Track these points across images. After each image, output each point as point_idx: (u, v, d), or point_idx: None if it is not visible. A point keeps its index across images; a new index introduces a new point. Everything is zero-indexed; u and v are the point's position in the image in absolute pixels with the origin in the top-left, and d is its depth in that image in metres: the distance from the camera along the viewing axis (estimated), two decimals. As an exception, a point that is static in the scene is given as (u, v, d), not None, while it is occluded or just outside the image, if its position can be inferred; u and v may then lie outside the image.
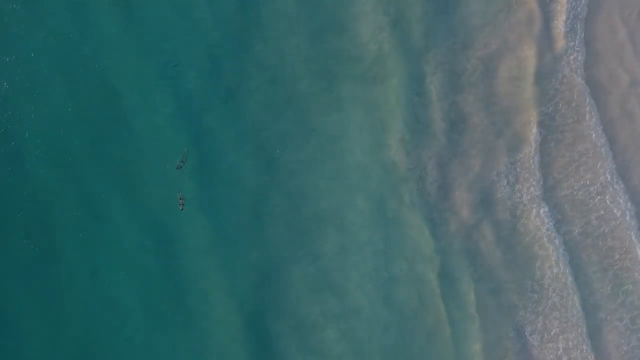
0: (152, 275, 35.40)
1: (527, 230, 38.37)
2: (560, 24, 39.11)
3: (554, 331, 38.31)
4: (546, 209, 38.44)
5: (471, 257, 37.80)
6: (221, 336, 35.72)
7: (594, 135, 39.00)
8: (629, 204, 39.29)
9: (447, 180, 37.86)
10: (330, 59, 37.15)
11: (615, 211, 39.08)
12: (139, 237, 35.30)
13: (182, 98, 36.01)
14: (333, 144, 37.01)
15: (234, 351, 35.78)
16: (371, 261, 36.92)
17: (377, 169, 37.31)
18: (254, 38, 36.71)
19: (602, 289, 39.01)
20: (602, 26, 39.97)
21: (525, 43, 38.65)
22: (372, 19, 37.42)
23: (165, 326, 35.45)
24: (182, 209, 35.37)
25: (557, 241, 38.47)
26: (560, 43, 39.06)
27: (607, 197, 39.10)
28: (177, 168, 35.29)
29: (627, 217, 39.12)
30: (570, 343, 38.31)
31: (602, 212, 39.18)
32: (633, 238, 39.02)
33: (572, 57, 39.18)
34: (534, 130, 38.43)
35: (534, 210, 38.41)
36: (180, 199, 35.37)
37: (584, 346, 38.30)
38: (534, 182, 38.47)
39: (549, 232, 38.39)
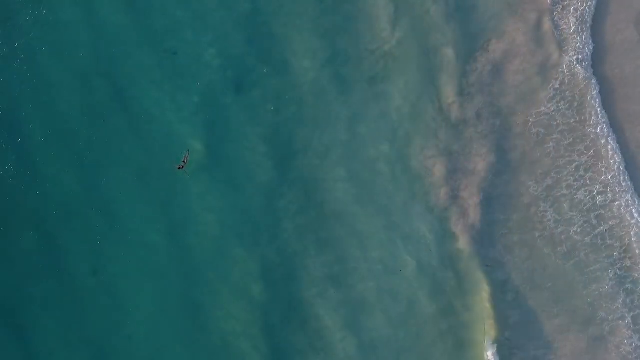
0: (161, 272, 35.91)
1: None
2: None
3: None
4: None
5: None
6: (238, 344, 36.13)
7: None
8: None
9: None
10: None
11: None
12: (151, 236, 35.86)
13: (194, 91, 36.75)
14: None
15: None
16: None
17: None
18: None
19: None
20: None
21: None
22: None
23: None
24: (180, 168, 35.59)
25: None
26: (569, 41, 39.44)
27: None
28: (179, 168, 35.75)
29: None
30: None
31: None
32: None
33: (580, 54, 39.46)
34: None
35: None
36: (185, 160, 35.66)
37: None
38: None
39: None
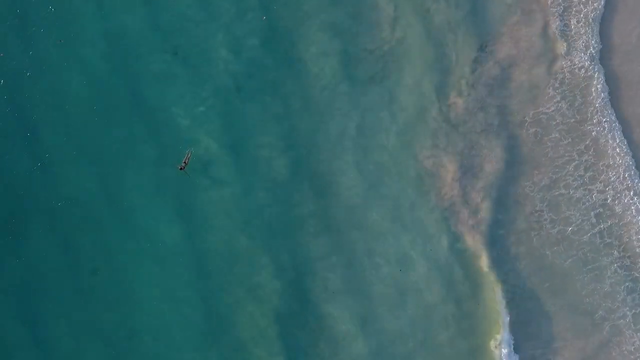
0: (174, 270, 36.33)
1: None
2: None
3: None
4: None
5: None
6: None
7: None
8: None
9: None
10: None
11: None
12: (166, 237, 36.35)
13: (206, 89, 37.20)
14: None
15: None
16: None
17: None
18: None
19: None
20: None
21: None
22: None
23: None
24: (181, 169, 36.00)
25: None
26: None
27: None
28: (180, 168, 36.14)
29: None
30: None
31: None
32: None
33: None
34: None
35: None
36: (186, 161, 36.03)
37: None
38: None
39: None
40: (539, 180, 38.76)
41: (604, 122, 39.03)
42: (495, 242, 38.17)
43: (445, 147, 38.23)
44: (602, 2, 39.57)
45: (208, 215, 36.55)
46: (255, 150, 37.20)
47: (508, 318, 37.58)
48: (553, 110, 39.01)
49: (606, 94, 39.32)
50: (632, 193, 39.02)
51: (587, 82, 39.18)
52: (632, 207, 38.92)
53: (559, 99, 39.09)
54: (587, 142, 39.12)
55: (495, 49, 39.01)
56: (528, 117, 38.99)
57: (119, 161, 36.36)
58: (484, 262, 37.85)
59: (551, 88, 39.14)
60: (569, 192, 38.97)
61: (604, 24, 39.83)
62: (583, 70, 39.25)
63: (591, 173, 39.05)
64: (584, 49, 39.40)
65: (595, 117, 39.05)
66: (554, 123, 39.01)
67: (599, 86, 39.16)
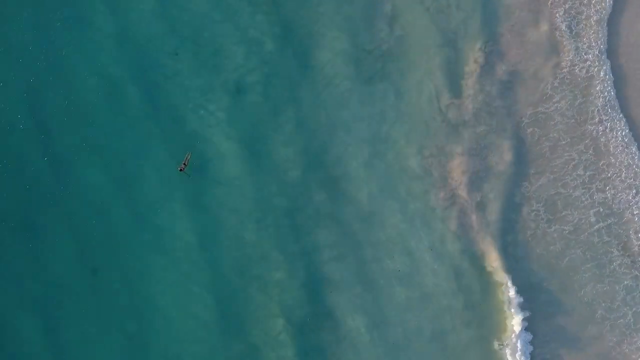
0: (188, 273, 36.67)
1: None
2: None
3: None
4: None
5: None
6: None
7: None
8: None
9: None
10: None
11: None
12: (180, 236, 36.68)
13: (221, 89, 37.65)
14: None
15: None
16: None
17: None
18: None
19: None
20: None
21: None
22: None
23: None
24: (181, 170, 36.29)
25: None
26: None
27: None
28: (180, 170, 36.48)
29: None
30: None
31: None
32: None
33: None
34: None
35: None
36: (186, 162, 36.35)
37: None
38: None
39: None
40: (545, 180, 38.81)
41: (606, 120, 39.02)
42: (496, 242, 38.31)
43: (443, 147, 38.38)
44: (610, 2, 39.48)
45: (220, 214, 36.94)
46: (267, 147, 37.59)
47: (519, 317, 37.57)
48: (552, 110, 39.00)
49: (601, 89, 39.21)
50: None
51: (590, 81, 39.17)
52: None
53: (558, 98, 39.07)
54: (587, 141, 39.15)
55: (496, 49, 39.07)
56: (525, 117, 39.06)
57: (134, 161, 36.85)
58: (492, 261, 38.00)
59: (551, 87, 39.15)
60: (580, 192, 39.07)
61: (611, 24, 39.78)
62: (586, 70, 39.19)
63: (591, 172, 39.10)
64: (589, 48, 39.35)
65: (597, 116, 39.03)
66: (552, 123, 39.03)
67: (603, 85, 39.15)
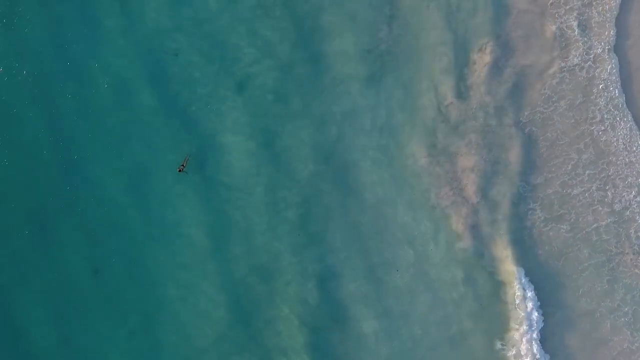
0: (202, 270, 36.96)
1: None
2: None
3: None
4: None
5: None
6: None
7: None
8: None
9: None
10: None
11: None
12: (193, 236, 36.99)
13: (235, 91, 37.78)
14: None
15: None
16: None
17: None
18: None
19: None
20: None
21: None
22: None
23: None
24: (180, 171, 36.57)
25: None
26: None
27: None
28: (179, 170, 36.78)
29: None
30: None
31: None
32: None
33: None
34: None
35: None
36: (184, 163, 36.61)
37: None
38: None
39: None
40: (543, 179, 38.83)
41: (607, 119, 38.98)
42: (496, 242, 38.37)
43: (443, 146, 38.40)
44: (618, 1, 39.26)
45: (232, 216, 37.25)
46: (280, 144, 37.77)
47: (534, 315, 37.71)
48: (552, 110, 38.92)
49: (602, 88, 39.09)
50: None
51: (594, 80, 38.99)
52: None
53: (560, 97, 38.99)
54: (587, 140, 39.13)
55: (499, 48, 38.89)
56: (523, 117, 39.00)
57: (143, 159, 37.10)
58: (497, 259, 38.16)
59: (555, 86, 39.02)
60: (582, 190, 39.09)
61: (619, 22, 39.60)
62: (590, 69, 39.04)
63: (591, 172, 39.08)
64: (594, 47, 39.12)
65: (599, 115, 38.98)
66: (551, 123, 38.95)
67: (606, 83, 39.01)
